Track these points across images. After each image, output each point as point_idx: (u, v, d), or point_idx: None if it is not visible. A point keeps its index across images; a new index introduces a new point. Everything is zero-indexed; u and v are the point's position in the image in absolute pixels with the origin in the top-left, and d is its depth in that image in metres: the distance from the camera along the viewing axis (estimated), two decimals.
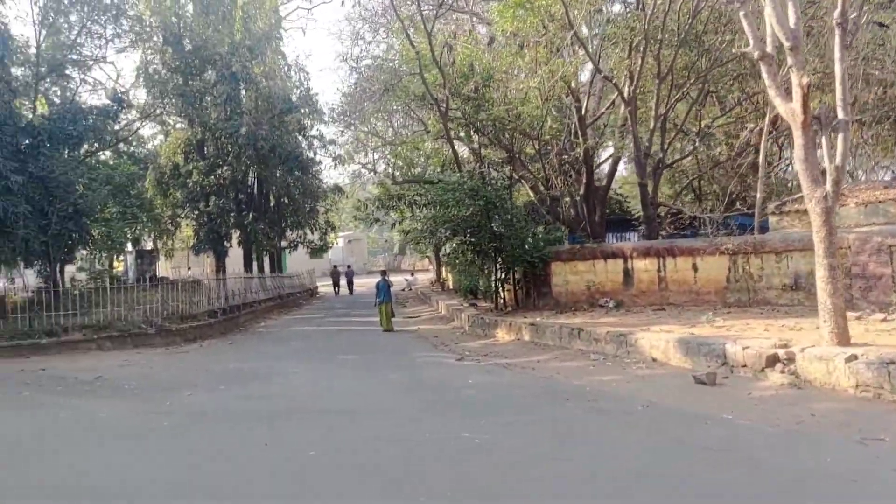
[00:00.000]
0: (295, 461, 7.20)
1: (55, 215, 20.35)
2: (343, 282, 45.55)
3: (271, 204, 34.41)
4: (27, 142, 20.63)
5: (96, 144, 26.71)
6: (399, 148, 25.07)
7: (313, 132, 32.56)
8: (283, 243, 37.45)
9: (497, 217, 19.05)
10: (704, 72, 19.23)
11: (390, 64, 25.02)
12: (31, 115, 22.94)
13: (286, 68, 35.53)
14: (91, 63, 26.11)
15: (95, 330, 18.62)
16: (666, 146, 20.94)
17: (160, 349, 18.52)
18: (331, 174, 43.19)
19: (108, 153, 32.35)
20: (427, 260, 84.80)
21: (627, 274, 18.32)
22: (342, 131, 30.70)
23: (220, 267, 30.19)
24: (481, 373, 12.97)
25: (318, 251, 42.92)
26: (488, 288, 23.75)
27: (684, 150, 23.00)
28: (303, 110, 30.96)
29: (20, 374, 14.66)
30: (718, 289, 16.89)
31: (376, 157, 30.65)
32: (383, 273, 21.55)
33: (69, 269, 29.06)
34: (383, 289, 20.84)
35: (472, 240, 18.50)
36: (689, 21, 18.32)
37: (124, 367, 15.26)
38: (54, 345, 17.95)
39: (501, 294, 20.62)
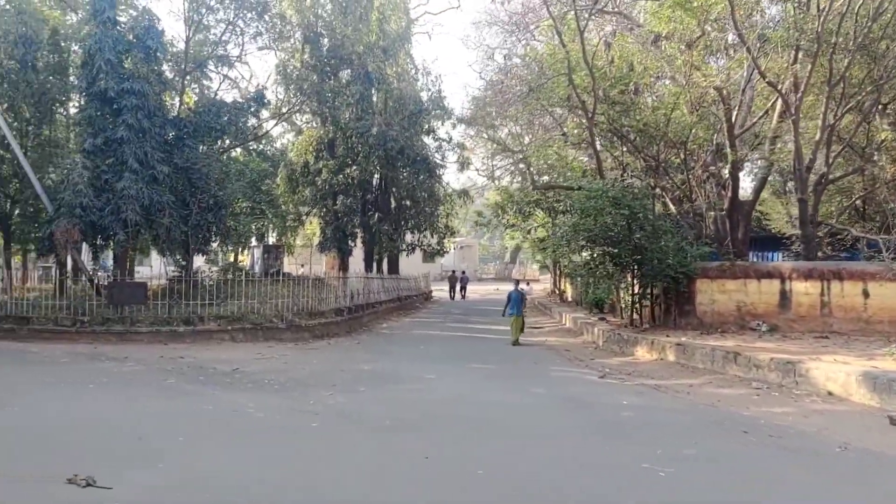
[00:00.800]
0: (465, 482, 6.57)
1: (196, 206, 20.80)
2: (457, 287, 45.97)
3: (392, 206, 34.44)
4: (172, 134, 21.20)
5: (228, 141, 27.35)
6: (541, 152, 24.26)
7: (442, 135, 32.36)
8: (402, 245, 37.43)
9: (638, 229, 17.98)
10: (883, 81, 17.51)
11: (522, 71, 24.32)
12: (175, 109, 23.66)
13: (414, 71, 35.57)
14: (233, 60, 26.73)
15: (229, 321, 18.81)
16: (831, 161, 19.26)
17: (290, 344, 18.50)
18: (449, 178, 42.65)
19: (238, 150, 33.21)
20: (538, 270, 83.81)
21: (784, 296, 16.84)
22: (474, 134, 30.20)
23: (344, 266, 30.33)
24: (632, 394, 12.01)
25: (433, 255, 42.73)
26: (619, 302, 22.65)
27: (847, 166, 21.16)
28: (433, 112, 30.74)
29: (160, 360, 14.86)
30: (894, 319, 15.22)
31: (507, 162, 29.95)
32: (516, 283, 20.51)
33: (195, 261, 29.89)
34: (515, 300, 19.45)
35: (614, 251, 17.46)
36: (868, 24, 16.70)
37: (259, 360, 15.20)
38: (190, 333, 18.24)
39: (638, 310, 19.48)
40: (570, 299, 36.04)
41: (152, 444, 7.71)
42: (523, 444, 8.23)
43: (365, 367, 14.56)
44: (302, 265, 45.54)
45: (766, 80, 17.71)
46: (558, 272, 38.86)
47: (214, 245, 26.12)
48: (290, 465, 7.01)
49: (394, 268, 38.74)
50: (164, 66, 22.78)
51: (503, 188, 33.13)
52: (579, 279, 31.56)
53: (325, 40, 28.97)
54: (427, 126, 31.12)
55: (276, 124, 32.03)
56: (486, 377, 13.81)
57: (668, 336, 16.83)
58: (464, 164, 31.86)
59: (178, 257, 22.65)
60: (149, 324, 18.26)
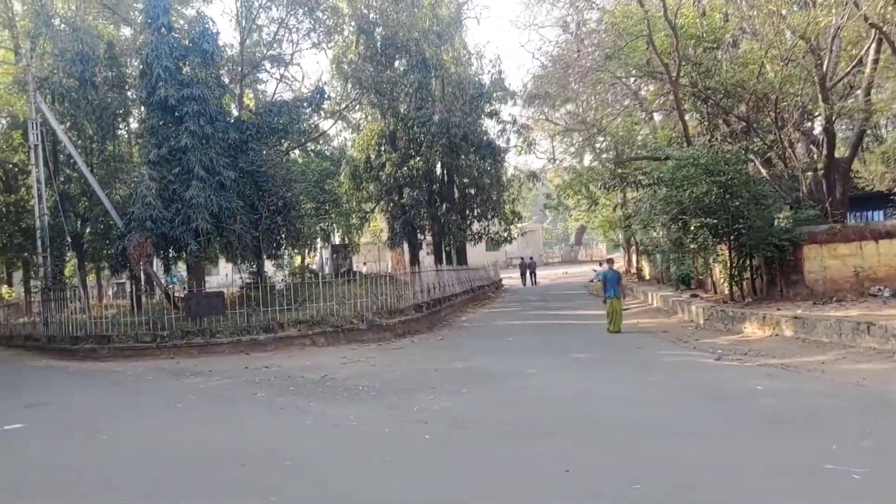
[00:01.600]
0: (625, 499, 5.60)
1: (265, 210, 20.26)
2: (527, 273, 45.13)
3: (456, 195, 33.45)
4: (235, 137, 20.67)
5: (286, 143, 26.71)
6: (622, 123, 22.88)
7: (505, 117, 31.15)
8: (469, 235, 36.44)
9: (734, 196, 16.59)
10: None
11: (593, 39, 22.90)
12: (235, 112, 23.19)
13: (468, 56, 34.54)
14: (288, 59, 26.16)
15: (309, 325, 18.21)
16: None
17: (373, 345, 17.80)
18: (512, 161, 40.83)
19: (296, 152, 32.74)
20: (605, 250, 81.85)
21: None
22: (533, 114, 28.87)
23: (415, 259, 29.60)
24: (761, 377, 10.81)
25: (500, 243, 41.70)
26: (710, 276, 21.31)
27: None
28: (495, 94, 29.61)
29: (246, 371, 14.29)
30: None
31: (571, 140, 28.49)
32: (609, 262, 18.79)
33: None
34: (612, 280, 17.43)
35: (711, 221, 16.11)
36: None
37: (346, 364, 14.49)
38: (271, 340, 17.70)
39: (738, 283, 18.09)
40: (648, 277, 34.68)
41: (257, 471, 6.96)
42: (670, 445, 7.20)
43: (458, 364, 13.70)
44: (364, 263, 45.06)
45: (869, 21, 16.12)
46: (634, 250, 37.40)
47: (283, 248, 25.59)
48: (420, 487, 6.16)
49: (462, 258, 37.80)
50: (221, 70, 22.27)
51: (570, 167, 31.85)
52: (659, 255, 30.22)
53: (379, 30, 28.12)
54: (490, 109, 29.98)
55: (335, 121, 31.41)
56: (593, 368, 12.76)
57: (779, 309, 15.51)
58: (529, 146, 30.79)
59: (249, 263, 22.16)
60: (228, 334, 17.79)
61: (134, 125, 27.93)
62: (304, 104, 22.54)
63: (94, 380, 14.57)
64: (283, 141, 23.30)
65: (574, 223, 69.28)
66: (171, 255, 20.64)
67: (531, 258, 48.15)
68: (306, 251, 39.52)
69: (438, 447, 7.62)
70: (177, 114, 19.47)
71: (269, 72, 25.91)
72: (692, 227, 16.56)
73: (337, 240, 42.25)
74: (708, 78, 18.34)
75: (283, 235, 21.31)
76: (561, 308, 26.13)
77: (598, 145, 25.51)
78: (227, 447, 8.01)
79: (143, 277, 22.70)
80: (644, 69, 19.34)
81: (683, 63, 17.91)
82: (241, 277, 24.71)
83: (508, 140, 31.49)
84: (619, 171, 25.70)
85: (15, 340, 22.74)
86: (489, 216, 34.00)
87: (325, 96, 23.52)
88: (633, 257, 40.23)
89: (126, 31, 29.89)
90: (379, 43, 27.83)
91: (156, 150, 19.55)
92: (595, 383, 11.09)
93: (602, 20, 20.61)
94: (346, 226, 37.39)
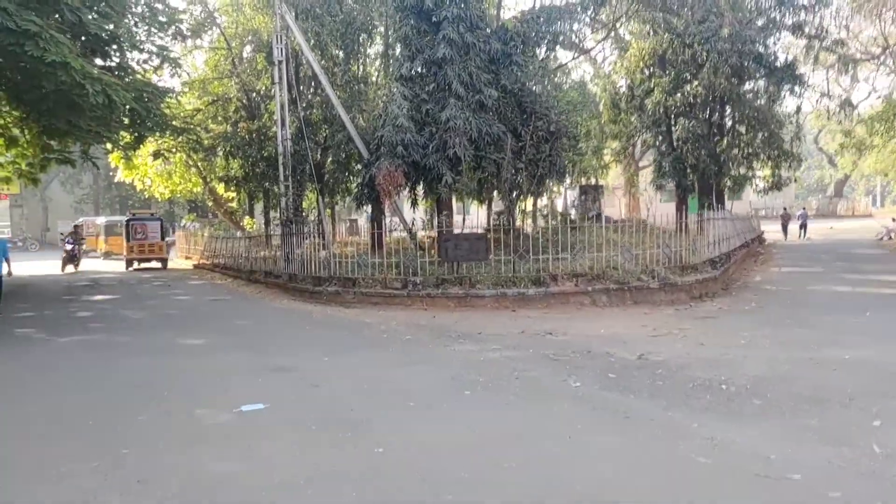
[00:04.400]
0: None
1: (531, 137, 16.75)
2: (793, 227, 38.70)
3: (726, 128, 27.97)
4: (498, 48, 17.17)
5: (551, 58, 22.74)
6: None
7: (811, 30, 24.89)
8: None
9: None
10: None
11: None
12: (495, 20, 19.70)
13: None
14: None
15: (587, 280, 14.62)
16: None
17: (667, 308, 13.94)
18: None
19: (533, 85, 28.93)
20: (869, 202, 70.82)
21: None
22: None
23: (682, 205, 24.95)
24: None
25: (768, 190, 35.50)
26: None
27: None
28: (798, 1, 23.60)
29: (524, 337, 11.05)
30: None
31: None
32: None
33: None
34: None
35: None
36: None
37: (658, 338, 10.73)
38: (541, 296, 14.37)
39: None
40: None
41: None
42: None
43: (844, 355, 9.35)
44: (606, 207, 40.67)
45: None
46: None
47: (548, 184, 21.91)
48: None
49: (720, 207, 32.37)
50: None
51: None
52: None
53: None
54: (794, 20, 24.01)
55: (604, 37, 26.96)
56: None
57: None
58: (846, 65, 24.68)
59: (507, 201, 18.85)
60: (490, 284, 14.66)
61: (375, 48, 25.59)
62: (578, 8, 18.50)
63: (343, 334, 11.99)
64: (550, 54, 19.41)
65: (841, 172, 59.84)
66: (421, 188, 17.87)
67: (803, 209, 41.38)
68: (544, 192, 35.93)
69: None
70: (433, 19, 16.36)
71: None
72: None
73: (569, 180, 38.25)
74: None
75: (547, 168, 17.66)
76: (883, 272, 20.46)
77: None
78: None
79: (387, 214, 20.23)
80: None
81: None
82: (464, 218, 21.78)
83: (816, 59, 25.37)
84: None
85: (256, 275, 21.46)
86: (768, 155, 28.14)
87: (600, 1, 19.19)
88: None
89: None
90: None
91: (408, 64, 16.64)
92: None
93: None
94: (592, 166, 33.24)
